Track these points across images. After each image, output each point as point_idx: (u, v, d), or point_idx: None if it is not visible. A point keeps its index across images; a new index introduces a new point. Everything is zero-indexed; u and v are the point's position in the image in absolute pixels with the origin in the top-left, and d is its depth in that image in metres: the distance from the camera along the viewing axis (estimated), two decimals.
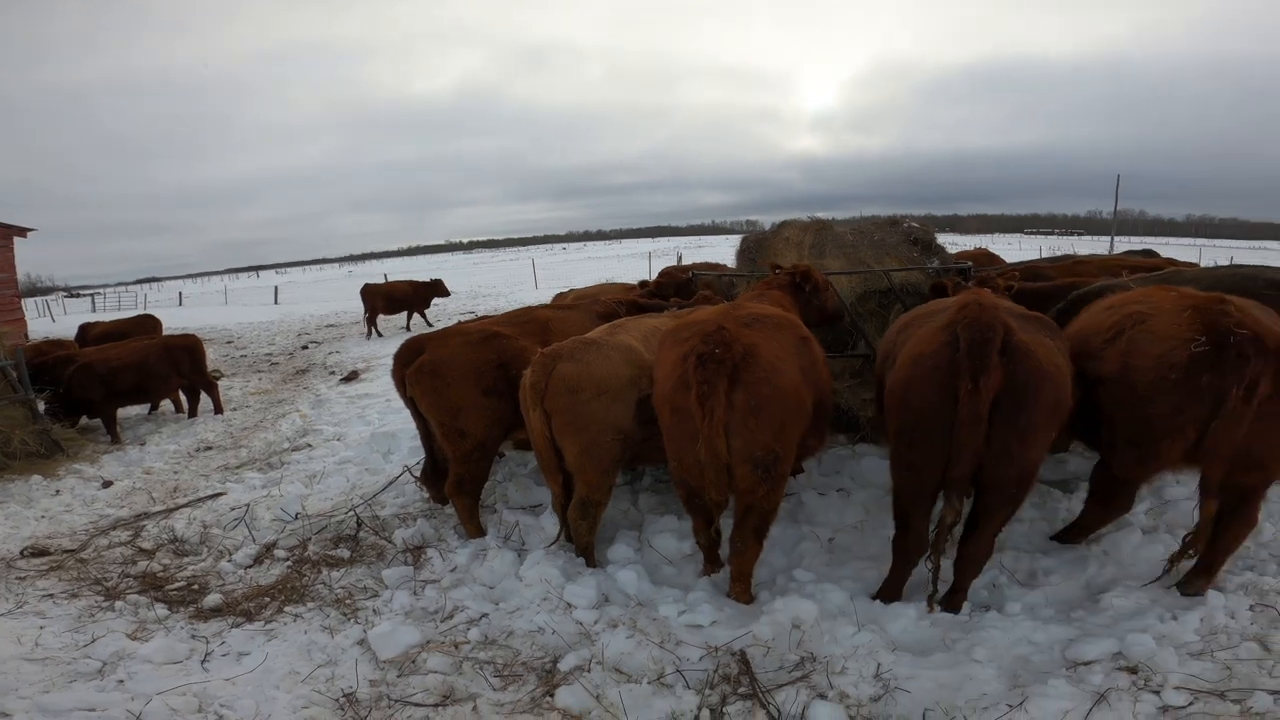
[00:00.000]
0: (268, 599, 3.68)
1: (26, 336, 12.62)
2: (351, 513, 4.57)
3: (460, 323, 4.68)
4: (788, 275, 4.41)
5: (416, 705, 2.81)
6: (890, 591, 3.25)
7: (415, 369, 3.87)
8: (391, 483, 4.97)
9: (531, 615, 3.29)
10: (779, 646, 2.93)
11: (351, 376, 9.66)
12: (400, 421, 6.82)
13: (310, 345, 13.95)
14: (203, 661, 3.16)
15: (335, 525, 4.47)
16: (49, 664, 3.17)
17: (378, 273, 48.86)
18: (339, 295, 29.69)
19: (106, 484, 5.82)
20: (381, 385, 8.94)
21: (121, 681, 3.01)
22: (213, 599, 3.70)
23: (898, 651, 2.91)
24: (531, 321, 4.46)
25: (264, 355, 13.10)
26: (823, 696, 2.69)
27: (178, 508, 5.12)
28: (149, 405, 8.24)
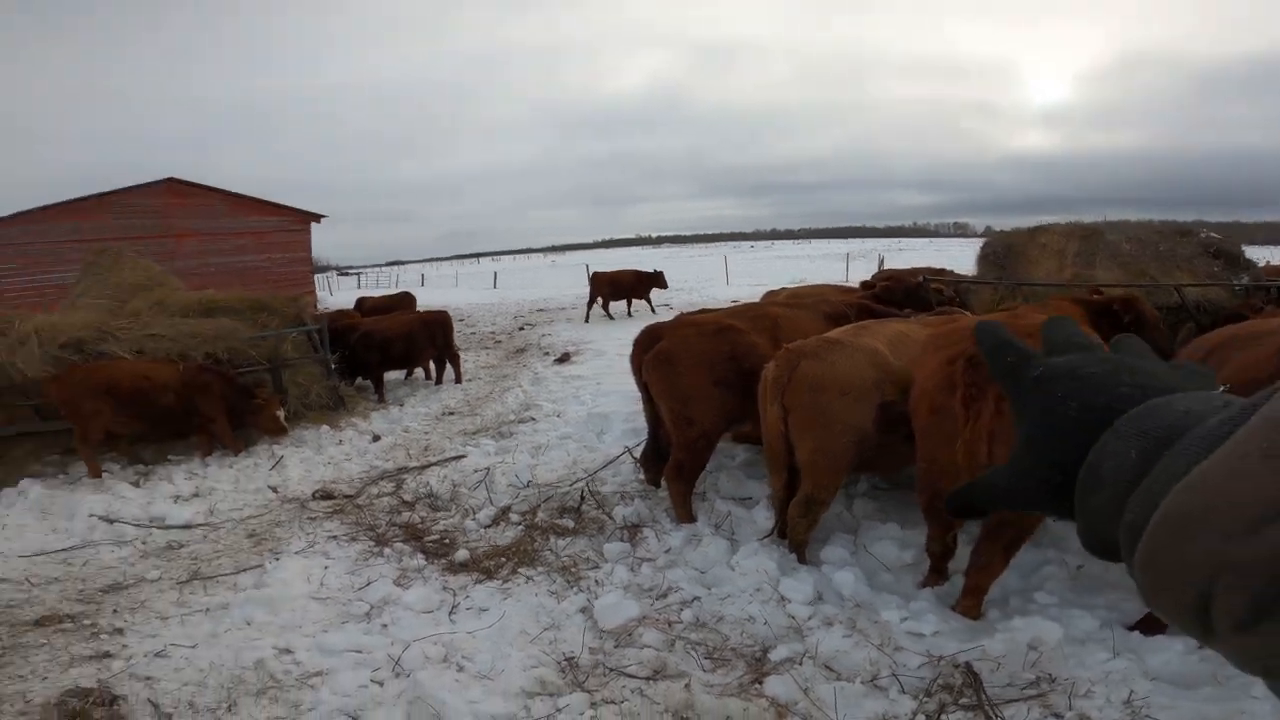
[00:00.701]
0: (504, 559, 4.03)
1: (315, 307, 15.40)
2: (576, 486, 4.90)
3: (690, 314, 4.77)
4: (1105, 302, 3.93)
5: (630, 676, 2.93)
6: (1154, 624, 2.87)
7: (653, 356, 4.03)
8: (611, 461, 5.24)
9: (744, 604, 3.32)
10: (1011, 664, 2.71)
11: (564, 359, 10.39)
12: (612, 404, 7.19)
13: (525, 327, 15.33)
14: (450, 613, 3.50)
15: (560, 496, 4.81)
16: (329, 604, 3.66)
17: (575, 263, 52.69)
18: (544, 282, 32.46)
19: (375, 438, 6.84)
20: (591, 369, 9.52)
21: (385, 626, 3.40)
22: (461, 554, 4.09)
23: (1156, 681, 2.58)
24: (762, 317, 4.41)
25: (489, 333, 14.67)
26: (1058, 716, 2.46)
27: (429, 465, 5.84)
28: (406, 371, 9.60)
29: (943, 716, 2.54)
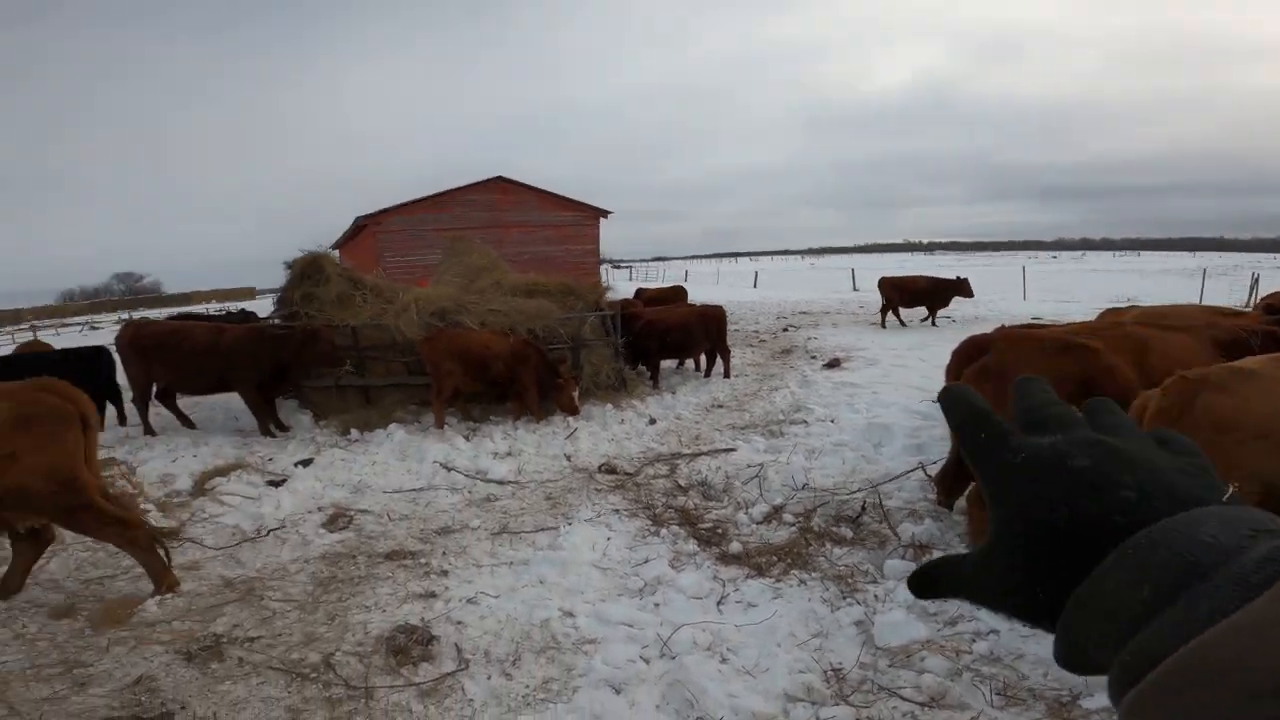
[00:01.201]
0: (775, 558, 3.97)
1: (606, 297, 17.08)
2: (856, 495, 4.64)
3: (1016, 326, 4.16)
4: None
5: (904, 699, 2.69)
6: None
7: (977, 370, 3.60)
8: (899, 475, 4.89)
9: (1052, 643, 2.76)
10: None
11: (834, 364, 9.97)
12: (891, 416, 6.68)
13: (790, 328, 15.09)
14: (719, 603, 3.52)
15: (838, 503, 4.60)
16: (609, 574, 3.91)
17: (837, 267, 50.55)
18: (806, 285, 31.68)
19: (651, 421, 7.30)
20: (864, 377, 8.98)
21: (657, 605, 3.52)
22: (734, 546, 4.12)
23: None
24: (1125, 338, 3.65)
25: (752, 331, 14.77)
26: None
27: (701, 454, 6.03)
28: (678, 361, 10.12)
29: None
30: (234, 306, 22.92)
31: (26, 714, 2.69)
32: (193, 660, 3.10)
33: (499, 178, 23.18)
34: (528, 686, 2.93)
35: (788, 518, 4.50)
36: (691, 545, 4.22)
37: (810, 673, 2.91)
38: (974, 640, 3.05)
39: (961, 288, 14.72)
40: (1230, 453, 2.64)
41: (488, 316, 7.78)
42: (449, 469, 5.82)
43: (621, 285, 23.30)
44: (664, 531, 4.42)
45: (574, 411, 7.24)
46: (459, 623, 3.42)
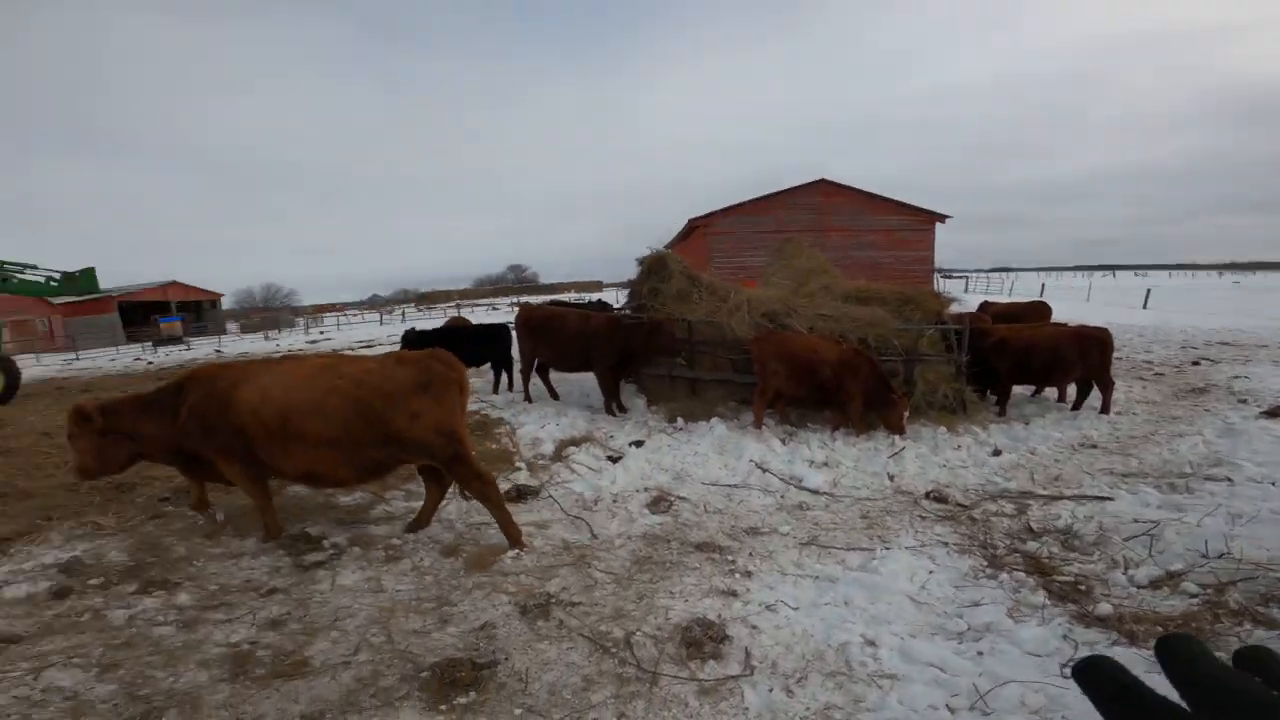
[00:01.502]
0: (1160, 629, 3.07)
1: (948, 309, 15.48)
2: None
3: None
4: None
5: None
6: None
7: None
8: None
9: None
10: None
11: (1276, 412, 7.31)
12: None
13: (1203, 361, 11.61)
14: (1064, 664, 2.84)
15: (1272, 581, 3.38)
16: (925, 609, 3.42)
17: (1269, 285, 36.92)
18: (1226, 307, 24.05)
19: (996, 452, 6.28)
20: None
21: (981, 654, 2.98)
22: (1103, 608, 3.30)
23: None
24: None
25: (1142, 362, 11.77)
26: None
27: (1062, 497, 4.99)
28: (1034, 389, 8.56)
29: None
30: (591, 297, 26.89)
31: (399, 643, 3.22)
32: (526, 614, 3.46)
33: (823, 180, 22.72)
34: (808, 709, 2.71)
35: (1190, 587, 3.47)
36: (1040, 597, 3.53)
37: None
38: None
39: None
40: None
41: (817, 321, 7.61)
42: (764, 470, 5.83)
43: (960, 297, 20.82)
44: (1004, 576, 3.79)
45: (900, 431, 6.64)
46: (754, 627, 3.34)
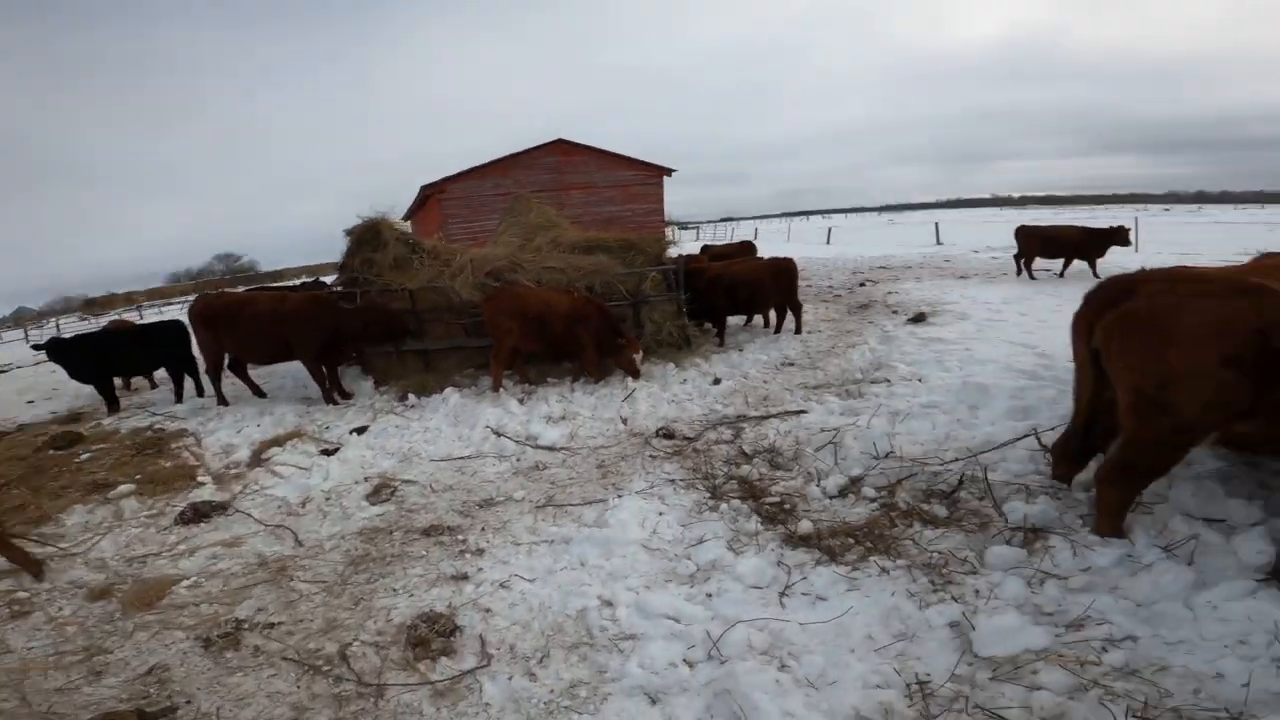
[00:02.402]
0: (852, 540, 3.45)
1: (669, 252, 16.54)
2: (952, 466, 4.05)
3: (1182, 266, 3.40)
4: None
5: None
6: None
7: (1121, 316, 2.91)
8: (1005, 443, 4.22)
9: (1210, 657, 2.35)
10: None
11: (919, 318, 9.14)
12: (989, 375, 5.95)
13: (867, 283, 14.13)
14: (782, 593, 3.06)
15: (929, 476, 4.02)
16: (657, 555, 3.50)
17: (918, 222, 47.33)
18: (884, 240, 29.83)
19: (716, 381, 6.83)
20: (954, 332, 8.14)
21: (710, 596, 3.10)
22: (804, 525, 3.61)
23: None
24: None
25: (826, 287, 13.91)
26: None
27: (769, 416, 5.53)
28: (746, 317, 9.53)
29: None
30: (323, 279, 23.84)
31: (37, 705, 2.63)
32: (210, 648, 2.98)
33: (560, 140, 22.78)
34: (552, 691, 2.60)
35: (868, 491, 3.96)
36: (754, 523, 3.74)
37: (890, 688, 2.42)
38: (1104, 649, 2.48)
39: (1118, 236, 13.19)
40: None
41: (544, 274, 7.46)
42: (499, 434, 5.58)
43: (689, 245, 22.67)
44: (724, 506, 3.97)
45: (635, 374, 6.86)
46: (487, 610, 3.14)
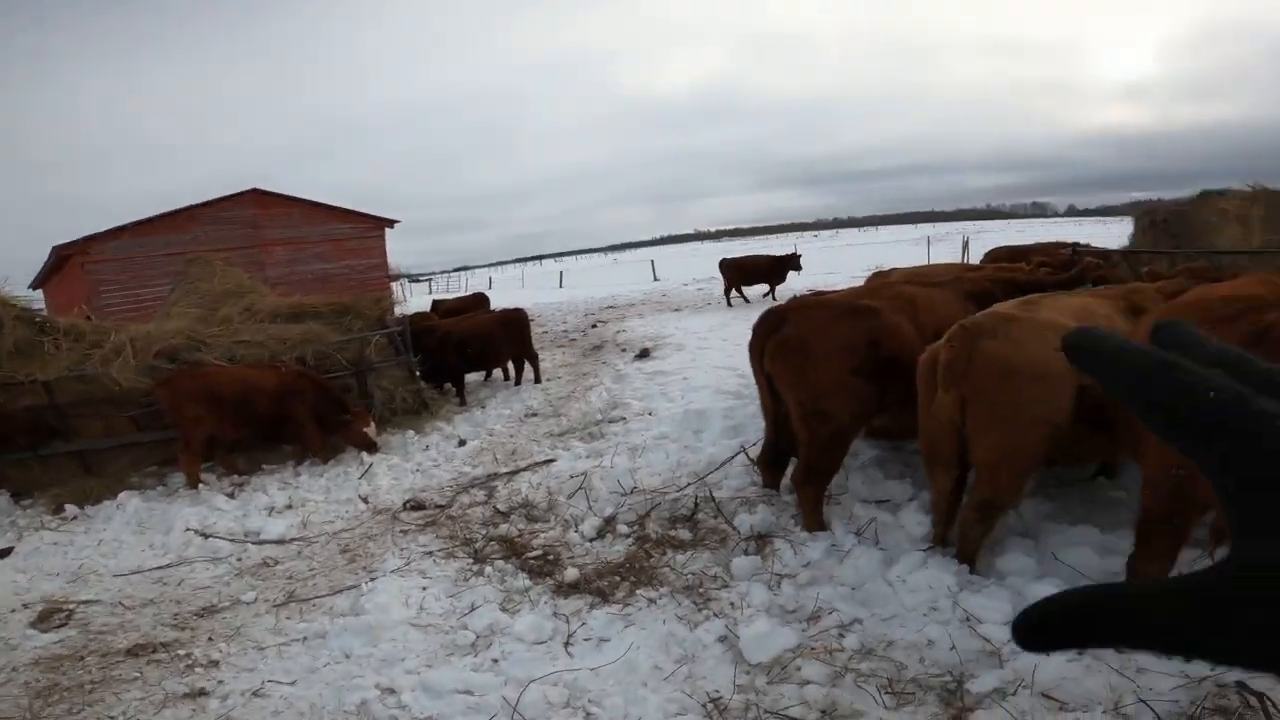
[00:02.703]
0: (618, 578, 3.60)
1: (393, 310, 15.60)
2: (685, 491, 4.44)
3: (819, 293, 4.22)
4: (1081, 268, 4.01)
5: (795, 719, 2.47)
6: None
7: (779, 342, 3.53)
8: (723, 463, 4.75)
9: (917, 626, 2.84)
10: None
11: (644, 354, 9.98)
12: (704, 400, 6.71)
13: (598, 324, 15.03)
14: (566, 644, 3.09)
15: (670, 503, 4.36)
16: (431, 632, 3.32)
17: (638, 259, 52.59)
18: (610, 280, 32.21)
19: (461, 442, 6.60)
20: (673, 363, 9.06)
21: (496, 661, 3.02)
22: (570, 573, 3.66)
23: None
24: (897, 297, 3.81)
25: (561, 332, 14.44)
26: None
27: (519, 471, 5.50)
28: (485, 373, 9.41)
29: None
30: None
31: None
32: None
33: (255, 190, 20.10)
34: None
35: (622, 529, 4.14)
36: (523, 580, 3.69)
37: (688, 712, 2.56)
38: (841, 635, 2.90)
39: (792, 262, 15.99)
40: (1010, 396, 2.79)
41: (237, 350, 6.44)
42: (206, 536, 4.71)
43: (421, 300, 21.73)
44: (488, 569, 3.85)
45: (370, 447, 6.26)
46: None
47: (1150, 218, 5.49)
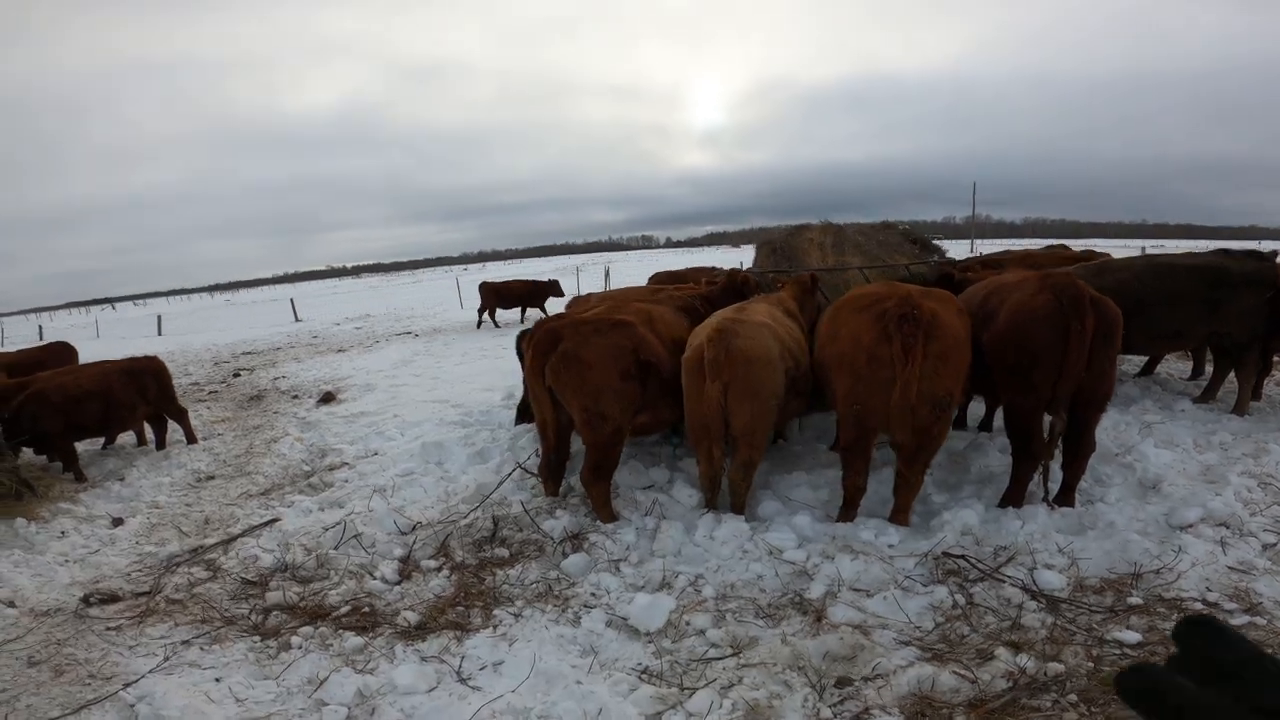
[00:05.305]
0: (463, 608, 3.44)
1: None
2: (474, 514, 4.38)
3: (578, 313, 4.56)
4: (741, 284, 5.54)
5: (721, 659, 2.85)
6: (1016, 497, 3.83)
7: (559, 357, 3.86)
8: (500, 483, 4.74)
9: (743, 568, 3.50)
10: (967, 546, 3.49)
11: (329, 398, 8.95)
12: (434, 432, 6.49)
13: (241, 372, 12.70)
14: (466, 680, 2.87)
15: (463, 530, 4.23)
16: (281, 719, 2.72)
17: (259, 299, 45.37)
18: (233, 324, 27.20)
19: (117, 521, 5.06)
20: (372, 403, 8.39)
21: (410, 717, 2.67)
22: (409, 616, 3.37)
23: (1061, 533, 3.52)
24: (638, 313, 4.45)
25: (190, 385, 11.70)
26: (1030, 569, 3.25)
27: (238, 537, 4.56)
28: (105, 440, 7.18)
29: (970, 589, 3.13)
30: None
31: None
32: None
33: None
34: None
35: (428, 564, 3.91)
36: (352, 639, 3.20)
37: (639, 688, 2.72)
38: (697, 590, 3.38)
39: (555, 288, 16.58)
40: (755, 379, 3.68)
41: None
42: None
43: None
44: (294, 639, 3.23)
45: None
46: None
47: (770, 246, 7.39)
